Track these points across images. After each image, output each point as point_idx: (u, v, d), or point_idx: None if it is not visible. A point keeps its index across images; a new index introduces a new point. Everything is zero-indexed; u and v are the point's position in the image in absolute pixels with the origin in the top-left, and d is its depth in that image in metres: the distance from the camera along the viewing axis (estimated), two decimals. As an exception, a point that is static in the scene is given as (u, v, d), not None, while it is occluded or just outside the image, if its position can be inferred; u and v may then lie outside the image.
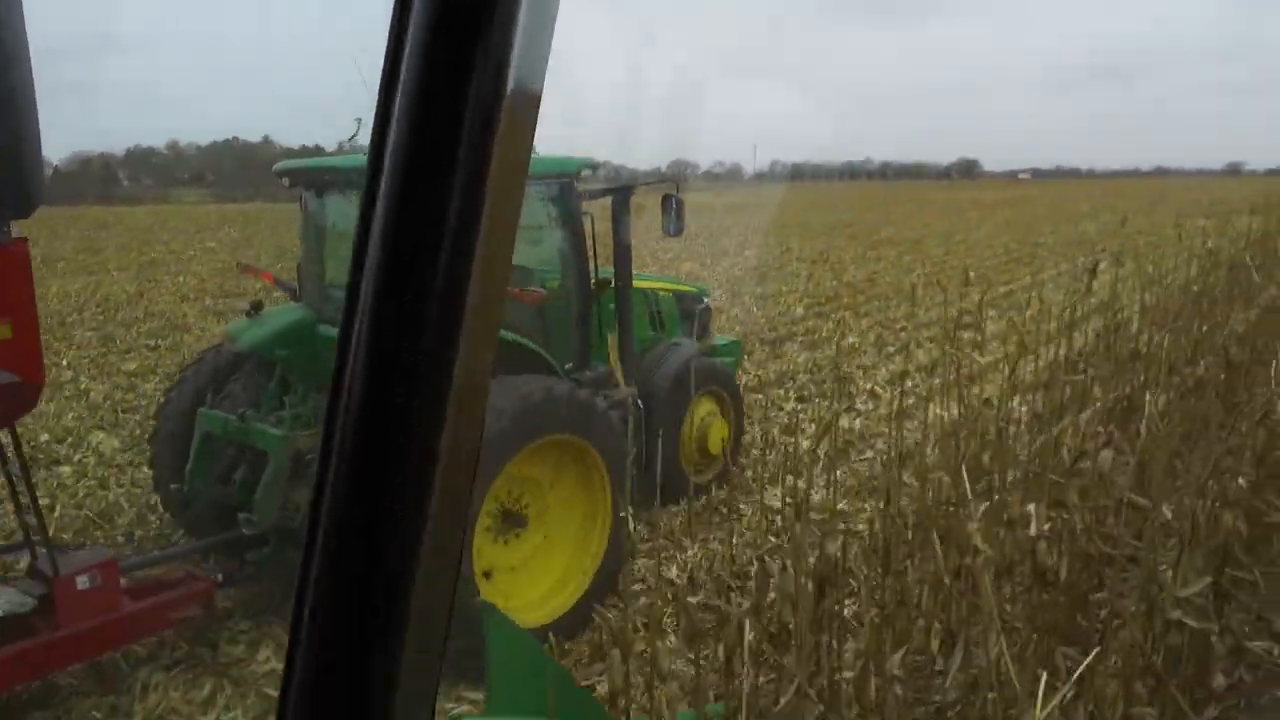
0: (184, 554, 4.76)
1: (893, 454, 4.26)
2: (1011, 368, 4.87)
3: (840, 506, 5.92)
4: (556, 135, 5.99)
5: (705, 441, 6.01)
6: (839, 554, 3.16)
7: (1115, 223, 26.95)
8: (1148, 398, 4.90)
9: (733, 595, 4.60)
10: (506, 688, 2.17)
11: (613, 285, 5.39)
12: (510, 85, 0.53)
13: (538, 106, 0.57)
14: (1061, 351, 6.62)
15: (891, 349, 10.76)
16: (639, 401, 5.42)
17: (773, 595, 3.02)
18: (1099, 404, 4.95)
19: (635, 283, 5.62)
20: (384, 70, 0.53)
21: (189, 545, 4.82)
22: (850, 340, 11.38)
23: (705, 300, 6.95)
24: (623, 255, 5.36)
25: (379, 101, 0.54)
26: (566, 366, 5.10)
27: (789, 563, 3.28)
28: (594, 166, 5.43)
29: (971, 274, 16.08)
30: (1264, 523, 4.33)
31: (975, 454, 4.58)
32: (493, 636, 2.12)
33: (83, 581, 3.75)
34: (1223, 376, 7.08)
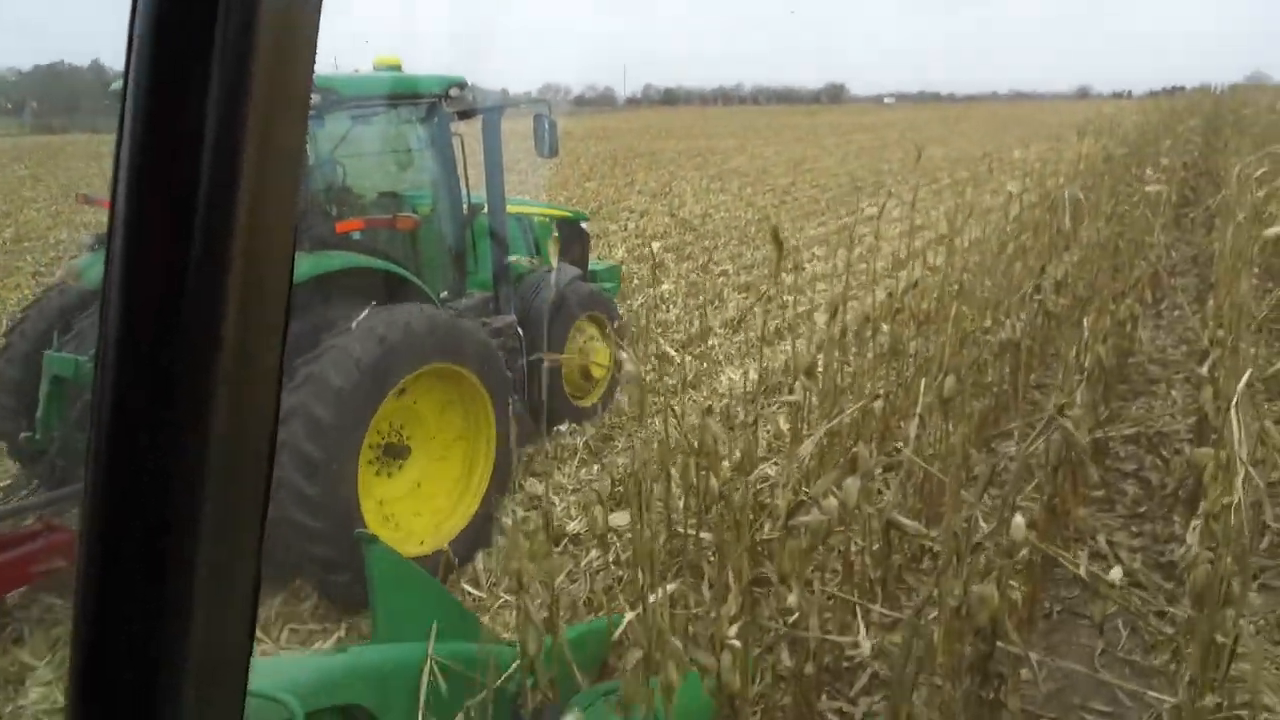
0: (42, 506, 4.29)
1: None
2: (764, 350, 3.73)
3: (572, 528, 4.77)
4: (424, 58, 5.88)
5: (588, 367, 5.95)
6: None
7: (965, 148, 26.76)
8: (922, 385, 3.88)
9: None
10: (391, 614, 2.19)
11: (486, 210, 5.28)
12: None
13: (317, 11, 0.52)
14: (863, 310, 5.63)
15: (703, 299, 9.68)
16: (519, 329, 5.29)
17: None
18: (853, 407, 3.89)
19: (510, 207, 5.49)
20: None
21: (46, 496, 4.37)
22: (665, 287, 10.26)
23: (583, 225, 6.84)
24: (496, 178, 5.22)
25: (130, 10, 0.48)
26: (442, 294, 4.98)
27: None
28: (463, 85, 5.16)
29: (778, 217, 15.18)
30: (1054, 574, 3.41)
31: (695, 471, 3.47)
32: (374, 566, 2.16)
33: None
34: (1042, 321, 6.26)
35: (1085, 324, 4.12)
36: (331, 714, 1.97)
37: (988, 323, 4.98)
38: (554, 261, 6.08)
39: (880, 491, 3.74)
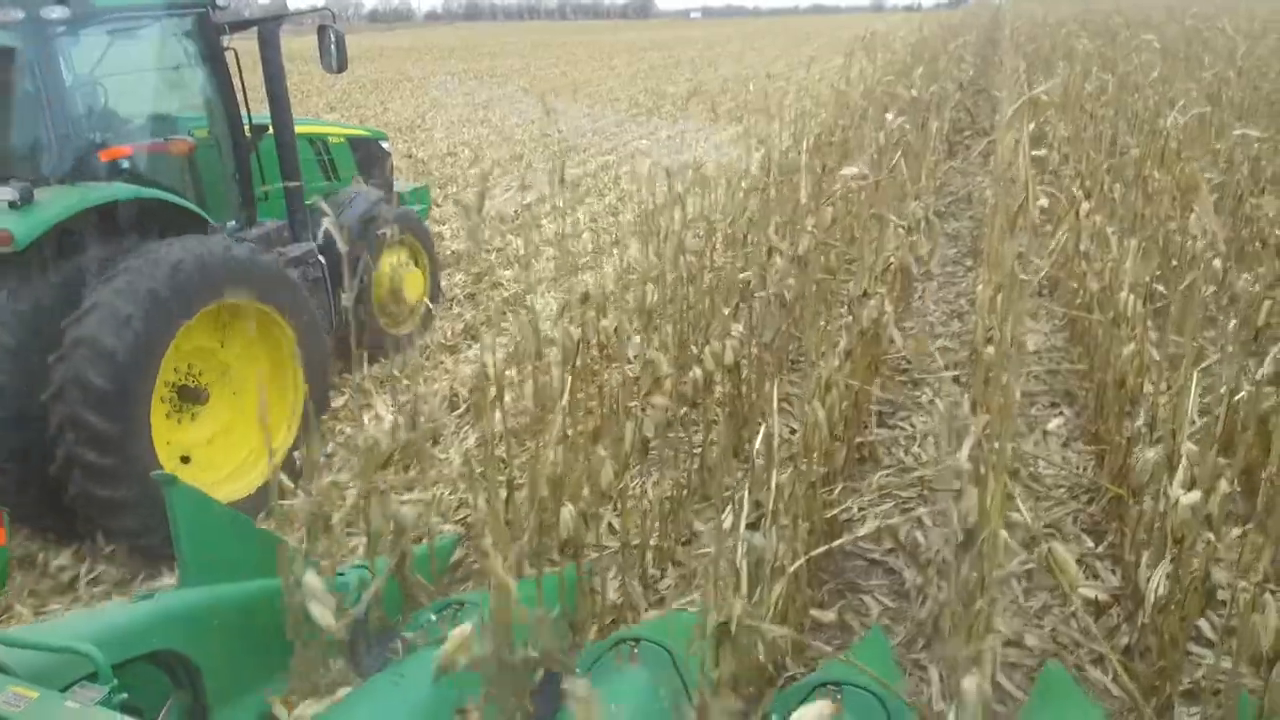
0: None
1: None
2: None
3: None
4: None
5: (401, 293, 5.70)
6: None
7: (753, 68, 25.49)
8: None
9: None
10: (200, 557, 2.13)
11: (271, 131, 4.95)
12: None
13: None
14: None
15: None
16: (320, 257, 4.93)
17: None
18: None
19: (300, 128, 5.23)
20: None
21: None
22: (359, 260, 8.16)
23: (384, 145, 6.50)
24: (279, 96, 4.91)
25: None
26: (230, 224, 4.69)
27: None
28: None
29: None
30: None
31: None
32: (177, 508, 2.09)
33: None
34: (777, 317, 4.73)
35: (773, 395, 2.51)
36: (143, 663, 1.90)
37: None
38: (355, 183, 5.75)
39: None
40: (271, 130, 4.94)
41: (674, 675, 1.91)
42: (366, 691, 1.87)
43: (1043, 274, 6.24)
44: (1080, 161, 6.44)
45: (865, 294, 3.93)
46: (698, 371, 3.40)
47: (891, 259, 4.64)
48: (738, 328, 3.98)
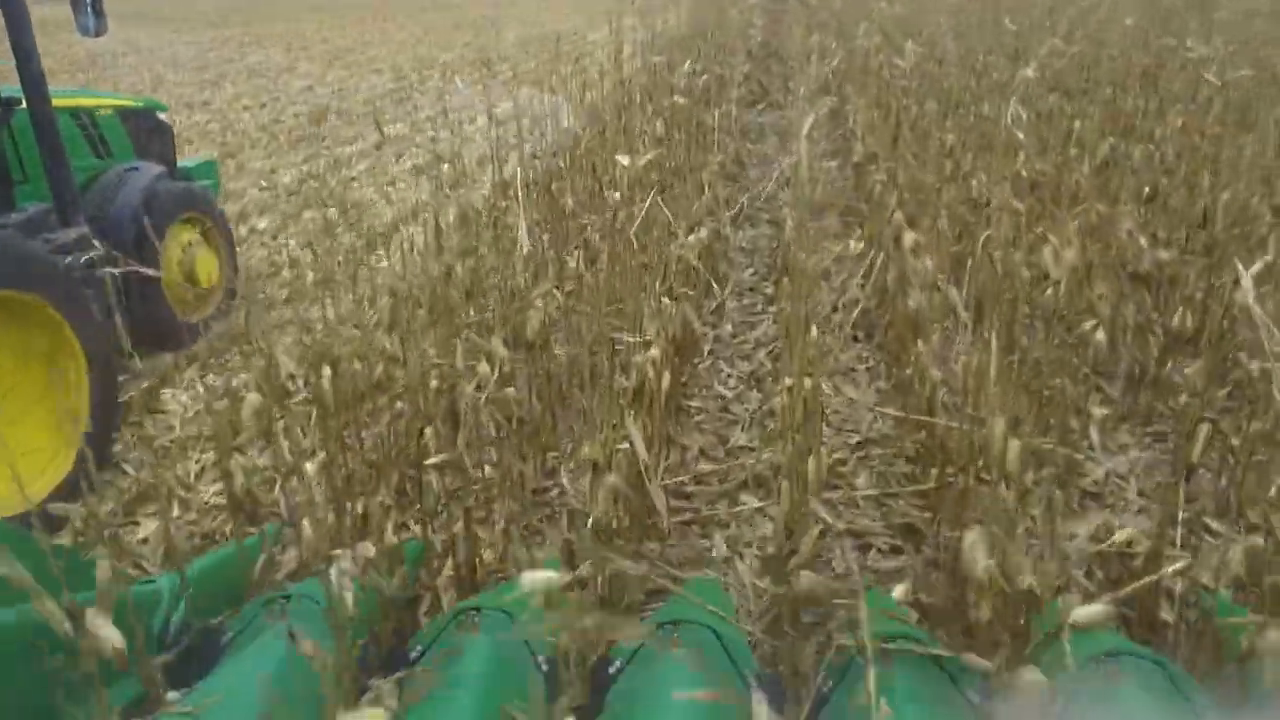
0: None
1: None
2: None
3: None
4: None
5: (193, 275, 5.23)
6: None
7: (544, 29, 23.52)
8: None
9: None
10: None
11: (25, 104, 4.51)
12: None
13: None
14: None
15: None
16: (95, 241, 4.50)
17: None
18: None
19: (61, 100, 4.72)
20: None
21: None
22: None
23: (161, 116, 5.90)
24: (29, 65, 4.38)
25: None
26: None
27: None
28: None
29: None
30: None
31: None
32: None
33: None
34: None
35: None
36: None
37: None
38: (131, 158, 5.37)
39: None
40: (25, 104, 4.48)
41: (519, 639, 1.90)
42: (199, 695, 1.80)
43: (855, 314, 4.91)
44: (894, 164, 5.12)
45: (595, 467, 2.33)
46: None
47: (653, 353, 3.07)
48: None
